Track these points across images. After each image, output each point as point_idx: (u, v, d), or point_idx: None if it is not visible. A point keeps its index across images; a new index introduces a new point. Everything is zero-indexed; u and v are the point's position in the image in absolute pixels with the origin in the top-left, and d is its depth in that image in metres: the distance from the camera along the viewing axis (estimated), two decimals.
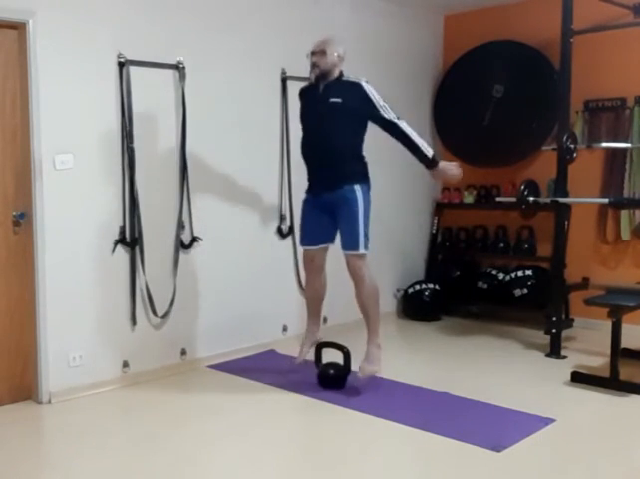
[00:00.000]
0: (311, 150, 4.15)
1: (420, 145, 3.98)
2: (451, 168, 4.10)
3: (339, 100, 3.91)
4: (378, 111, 3.91)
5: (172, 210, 4.54)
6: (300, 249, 4.42)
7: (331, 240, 4.26)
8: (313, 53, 4.02)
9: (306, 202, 4.30)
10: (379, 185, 6.05)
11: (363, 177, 4.12)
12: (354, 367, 4.22)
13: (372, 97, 3.89)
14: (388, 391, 4.15)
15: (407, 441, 3.50)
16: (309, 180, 4.25)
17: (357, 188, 4.05)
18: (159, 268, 4.46)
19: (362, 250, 4.01)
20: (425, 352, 5.20)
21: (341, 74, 4.04)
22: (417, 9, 6.23)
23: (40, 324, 3.97)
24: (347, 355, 4.21)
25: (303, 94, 4.28)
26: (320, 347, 4.36)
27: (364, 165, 4.18)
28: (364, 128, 4.05)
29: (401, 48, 6.14)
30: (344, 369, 4.22)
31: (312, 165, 4.18)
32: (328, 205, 4.10)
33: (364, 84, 3.94)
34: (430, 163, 4.02)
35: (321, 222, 4.17)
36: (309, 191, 4.26)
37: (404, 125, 3.97)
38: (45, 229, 3.95)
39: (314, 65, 3.99)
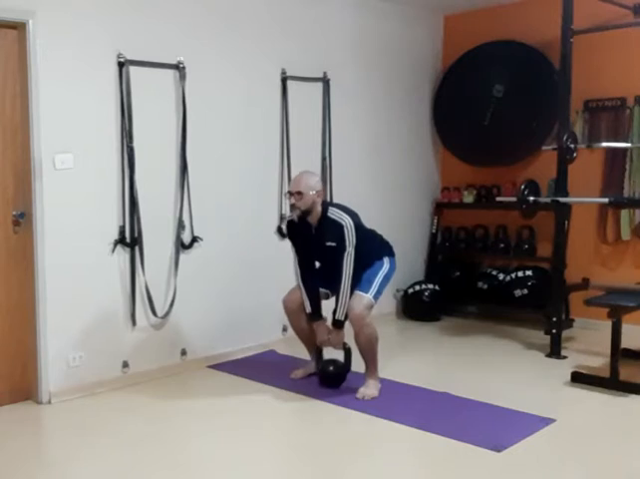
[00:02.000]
0: (317, 261, 4.26)
1: (342, 299, 4.01)
2: (335, 341, 4.15)
3: (334, 244, 4.02)
4: (342, 253, 3.98)
5: (172, 210, 4.54)
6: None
7: (328, 288, 4.24)
8: (290, 193, 4.08)
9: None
10: (379, 185, 6.09)
11: (388, 253, 4.26)
12: (354, 366, 4.23)
13: (346, 239, 3.98)
14: (388, 391, 4.14)
15: (407, 441, 3.50)
16: (313, 306, 4.24)
17: (384, 260, 4.19)
18: (158, 268, 4.46)
19: (370, 295, 4.03)
20: (425, 352, 5.20)
21: (325, 207, 4.08)
22: (417, 9, 6.23)
23: (40, 324, 3.97)
24: (347, 352, 4.20)
25: (294, 228, 4.25)
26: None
27: (386, 245, 4.30)
28: (360, 246, 4.03)
29: (401, 48, 6.14)
30: (344, 366, 4.22)
31: (323, 283, 4.27)
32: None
33: (345, 228, 3.99)
34: (336, 322, 4.07)
35: (328, 273, 4.15)
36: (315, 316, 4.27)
37: (345, 283, 3.99)
38: (45, 229, 3.95)
39: (293, 206, 4.08)
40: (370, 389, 4.07)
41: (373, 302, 4.05)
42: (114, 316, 4.29)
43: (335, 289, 4.08)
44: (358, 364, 4.21)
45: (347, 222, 4.01)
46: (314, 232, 4.13)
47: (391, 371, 4.42)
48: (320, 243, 4.09)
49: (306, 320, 4.30)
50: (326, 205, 4.13)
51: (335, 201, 5.41)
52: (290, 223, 4.28)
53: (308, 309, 4.22)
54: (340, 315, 4.04)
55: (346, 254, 3.98)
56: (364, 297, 4.02)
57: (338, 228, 4.00)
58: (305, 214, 4.07)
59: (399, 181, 6.22)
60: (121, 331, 4.32)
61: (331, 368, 4.24)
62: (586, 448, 3.40)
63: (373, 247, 4.18)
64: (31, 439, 3.60)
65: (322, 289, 4.27)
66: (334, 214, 4.05)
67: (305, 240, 4.20)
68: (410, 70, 6.27)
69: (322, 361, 4.31)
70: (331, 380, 4.23)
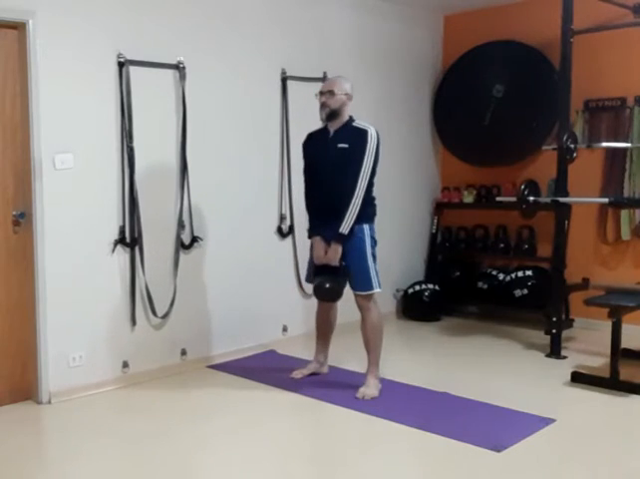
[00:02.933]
0: (319, 198, 4.13)
1: (348, 214, 3.91)
2: (332, 256, 4.01)
3: (346, 145, 3.95)
4: (360, 163, 3.89)
5: (172, 210, 4.54)
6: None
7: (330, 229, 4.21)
8: (321, 93, 4.06)
9: (313, 242, 4.22)
10: (379, 185, 6.08)
11: (369, 218, 4.12)
12: (354, 366, 4.22)
13: (367, 149, 3.90)
14: (388, 391, 4.14)
15: (407, 441, 3.50)
16: (313, 223, 4.19)
17: (364, 227, 4.05)
18: (159, 268, 4.46)
19: (375, 289, 4.03)
20: (425, 352, 5.20)
21: (351, 119, 4.06)
22: (417, 9, 6.23)
23: (40, 324, 3.97)
24: (344, 269, 4.02)
25: (310, 141, 4.23)
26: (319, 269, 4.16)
27: (373, 207, 4.15)
28: (373, 171, 3.99)
29: (401, 48, 6.14)
30: (340, 281, 4.05)
31: (319, 212, 4.16)
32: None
33: (369, 133, 3.95)
34: (338, 236, 3.95)
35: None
36: (314, 227, 4.18)
37: (357, 193, 3.90)
38: (45, 229, 3.95)
39: (323, 104, 4.04)
40: (370, 389, 4.07)
41: (374, 292, 4.04)
42: (114, 316, 4.29)
43: (337, 206, 3.95)
44: (358, 364, 4.21)
45: (372, 131, 3.94)
46: (331, 136, 4.05)
47: (391, 371, 4.42)
48: (332, 147, 3.99)
49: (331, 313, 4.32)
50: (353, 117, 4.08)
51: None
52: (309, 134, 4.23)
53: (308, 229, 4.19)
54: (344, 229, 3.91)
55: (363, 165, 3.86)
56: (365, 296, 4.02)
57: (360, 132, 3.94)
58: (333, 114, 4.01)
59: (399, 181, 6.22)
60: (121, 331, 4.32)
61: (327, 285, 4.04)
62: (586, 448, 3.40)
63: (364, 197, 3.98)
64: (31, 439, 3.60)
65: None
66: (360, 124, 4.01)
67: (318, 147, 4.10)
68: (410, 70, 6.27)
69: (317, 277, 4.11)
70: (327, 294, 4.09)
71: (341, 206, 3.94)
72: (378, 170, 4.04)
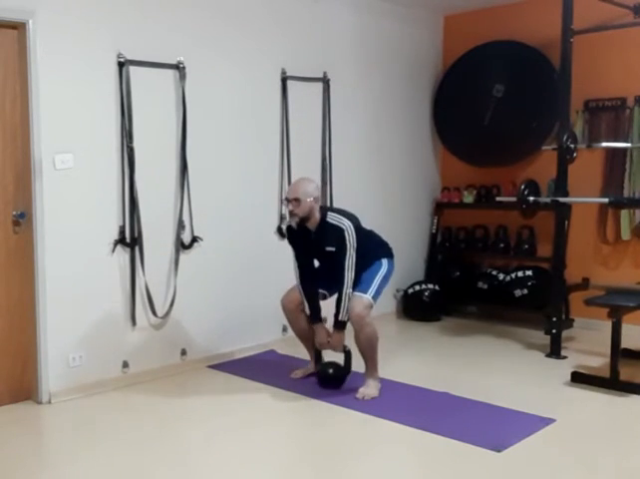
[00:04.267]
0: (322, 275, 4.26)
1: (343, 304, 3.99)
2: (334, 345, 4.16)
3: (333, 249, 4.02)
4: (344, 256, 3.98)
5: (172, 210, 4.54)
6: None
7: (328, 291, 4.26)
8: (288, 200, 4.08)
9: None
10: (379, 185, 6.09)
11: (386, 255, 4.25)
12: (354, 367, 4.23)
13: (348, 246, 3.98)
14: (388, 391, 4.14)
15: (407, 441, 3.50)
16: (314, 308, 4.25)
17: (382, 261, 4.18)
18: (159, 268, 4.46)
19: (369, 296, 4.03)
20: (425, 352, 5.20)
21: (324, 213, 4.08)
22: (417, 9, 6.23)
23: (40, 324, 3.97)
24: (348, 354, 4.21)
25: (294, 234, 4.24)
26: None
27: (384, 249, 4.28)
28: (359, 248, 4.02)
29: (401, 48, 6.14)
30: (344, 369, 4.22)
31: (325, 282, 4.26)
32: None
33: (345, 231, 3.99)
34: (339, 324, 4.05)
35: (331, 276, 4.13)
36: (315, 318, 4.27)
37: (346, 291, 3.98)
38: (45, 229, 3.95)
39: (292, 213, 4.07)
40: (370, 389, 4.07)
41: (372, 303, 4.05)
42: (114, 316, 4.29)
43: (334, 291, 4.09)
44: (358, 364, 4.21)
45: (347, 225, 4.01)
46: (313, 237, 4.13)
47: (391, 371, 4.42)
48: (320, 248, 4.10)
49: (306, 321, 4.31)
50: (325, 210, 4.14)
51: (335, 201, 5.43)
52: (289, 228, 4.28)
53: (308, 312, 4.23)
54: (342, 316, 4.03)
55: (347, 257, 3.97)
56: (363, 298, 4.02)
57: (338, 231, 4.01)
58: (303, 220, 4.07)
59: (399, 181, 6.22)
60: (121, 331, 4.32)
61: (331, 371, 4.24)
62: (586, 448, 3.39)
63: (372, 249, 4.17)
64: (31, 439, 3.60)
65: (320, 291, 4.27)
66: (333, 218, 4.05)
67: (305, 245, 4.19)
68: (410, 70, 6.27)
69: (322, 363, 4.31)
70: (331, 382, 4.22)
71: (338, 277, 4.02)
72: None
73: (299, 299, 4.26)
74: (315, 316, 4.22)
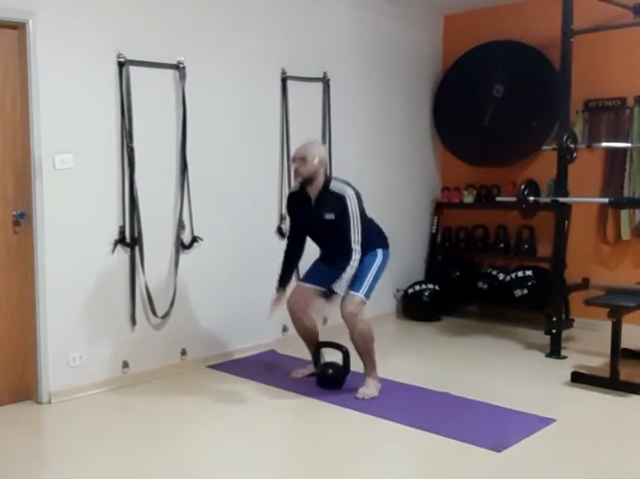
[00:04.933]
0: (315, 241, 4.26)
1: (345, 275, 3.94)
2: (322, 312, 4.04)
3: (332, 217, 3.98)
4: (348, 229, 3.94)
5: (172, 210, 4.54)
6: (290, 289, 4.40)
7: (326, 284, 4.18)
8: (294, 159, 4.06)
9: (320, 258, 4.35)
10: (379, 185, 6.09)
11: (382, 245, 4.21)
12: (353, 367, 4.23)
13: (350, 213, 3.94)
14: (388, 391, 4.15)
15: (407, 441, 3.50)
16: (285, 274, 4.31)
17: (377, 251, 4.14)
18: (159, 268, 4.46)
19: (362, 294, 4.01)
20: (425, 352, 5.20)
21: (327, 180, 4.04)
22: (417, 9, 6.23)
23: (40, 324, 3.97)
24: (346, 355, 4.21)
25: (293, 201, 4.24)
26: (319, 347, 4.36)
27: (380, 235, 4.25)
28: (363, 224, 4.01)
29: (401, 48, 6.14)
30: (343, 369, 4.23)
31: (319, 248, 4.29)
32: (339, 269, 4.05)
33: (347, 198, 3.96)
34: (330, 293, 3.97)
35: (329, 271, 4.11)
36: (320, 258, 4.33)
37: (354, 257, 3.94)
38: (45, 229, 3.95)
39: (297, 172, 4.05)
40: (370, 389, 4.07)
41: (364, 300, 4.03)
42: (114, 316, 4.29)
43: (337, 273, 4.02)
44: (358, 365, 4.21)
45: (349, 193, 3.95)
46: (314, 204, 4.07)
47: (391, 371, 4.42)
48: (319, 217, 4.02)
49: (310, 322, 4.31)
50: (329, 178, 4.09)
51: None
52: (291, 195, 4.26)
53: (277, 281, 4.26)
54: (338, 287, 3.92)
55: (352, 227, 3.91)
56: (355, 296, 4.00)
57: (339, 199, 3.95)
58: (306, 182, 4.02)
59: (399, 180, 6.22)
60: (121, 331, 4.32)
61: (330, 371, 4.24)
62: (586, 448, 3.40)
63: (367, 237, 4.07)
64: (31, 439, 3.61)
65: (319, 287, 4.19)
66: (336, 187, 4.00)
67: (304, 214, 4.14)
68: (410, 70, 6.27)
69: (321, 364, 4.31)
70: (330, 383, 4.22)
71: (338, 253, 4.00)
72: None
73: (304, 299, 4.23)
74: (282, 283, 4.25)
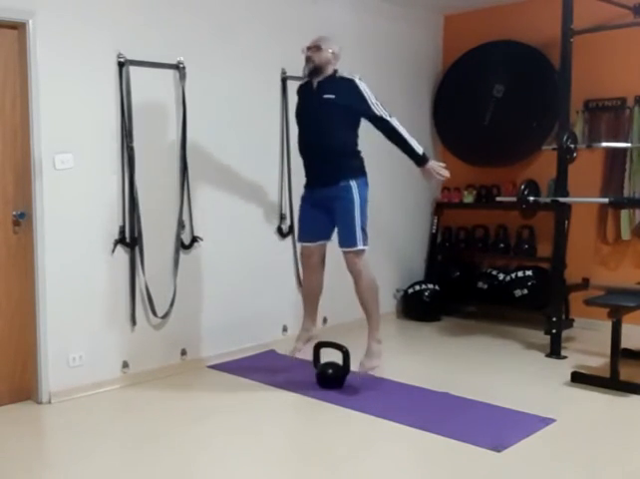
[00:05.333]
0: (307, 146, 4.19)
1: (410, 142, 4.01)
2: (439, 169, 4.12)
3: (332, 96, 3.94)
4: (370, 108, 3.94)
5: (172, 210, 4.54)
6: (299, 246, 4.42)
7: (328, 237, 4.26)
8: (308, 48, 4.05)
9: (304, 199, 4.32)
10: (379, 185, 6.06)
11: (359, 172, 4.14)
12: (353, 367, 4.23)
13: (365, 94, 3.93)
14: (388, 391, 4.15)
15: (407, 441, 3.50)
16: (306, 175, 4.26)
17: (352, 184, 4.06)
18: (159, 268, 4.46)
19: (359, 246, 4.02)
20: (425, 352, 5.20)
21: (335, 71, 4.06)
22: (417, 9, 6.23)
23: (40, 324, 3.97)
24: (346, 355, 4.21)
25: (300, 91, 4.30)
26: (319, 347, 4.36)
27: (360, 160, 4.20)
28: (358, 123, 4.07)
29: (401, 48, 6.14)
30: (343, 369, 4.23)
31: (308, 160, 4.22)
32: (325, 201, 4.12)
33: (357, 80, 3.97)
34: (420, 160, 4.05)
35: (318, 218, 4.18)
36: (307, 186, 4.28)
37: (395, 122, 3.99)
38: (45, 229, 3.95)
39: (308, 59, 4.03)
40: (371, 360, 4.06)
41: (362, 248, 4.02)
42: (114, 316, 4.29)
43: (327, 237, 4.13)
44: (358, 365, 4.21)
45: (356, 77, 3.95)
46: (315, 87, 4.05)
47: (391, 371, 4.42)
48: (317, 98, 3.99)
49: (319, 279, 4.32)
50: (337, 71, 4.07)
51: None
52: (299, 87, 4.26)
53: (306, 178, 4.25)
54: (420, 150, 3.99)
55: (374, 109, 3.91)
56: (352, 251, 4.00)
57: (345, 82, 3.94)
58: (316, 70, 4.00)
59: (399, 180, 6.21)
60: (121, 331, 4.32)
61: (330, 371, 4.24)
62: (586, 448, 3.39)
63: (344, 154, 4.01)
64: (31, 439, 3.60)
65: (320, 242, 4.20)
66: (344, 74, 4.00)
67: (304, 102, 4.13)
68: (410, 70, 6.27)
69: (321, 364, 4.31)
70: (330, 383, 4.22)
71: (327, 157, 3.96)
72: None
73: (316, 254, 4.22)
74: (309, 184, 4.22)
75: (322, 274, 4.37)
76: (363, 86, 3.95)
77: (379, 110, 3.95)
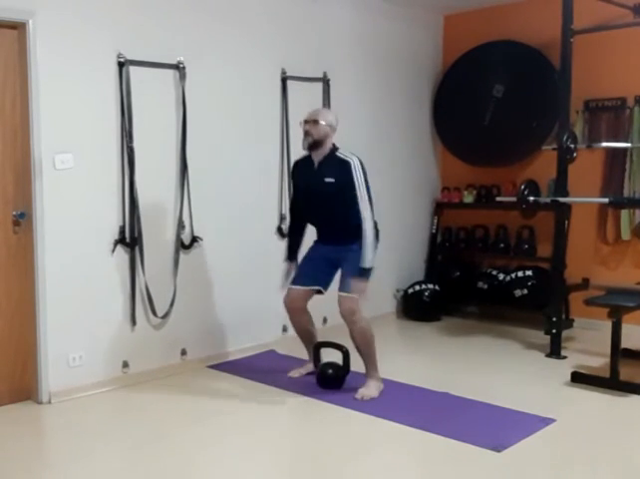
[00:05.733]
0: (313, 216, 4.24)
1: (368, 251, 3.91)
2: (363, 293, 4.03)
3: (333, 180, 3.97)
4: (355, 196, 3.92)
5: (172, 210, 4.54)
6: (286, 290, 4.34)
7: (321, 285, 4.21)
8: (306, 122, 4.07)
9: (312, 247, 4.31)
10: (379, 185, 6.07)
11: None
12: (353, 367, 4.23)
13: (356, 182, 3.93)
14: (388, 391, 4.14)
15: (407, 441, 3.50)
16: (316, 232, 4.29)
17: (354, 247, 4.04)
18: (159, 268, 4.46)
19: (356, 294, 3.98)
20: (425, 352, 5.20)
21: (334, 148, 4.06)
22: (417, 9, 6.23)
23: (40, 324, 3.97)
24: (346, 355, 4.21)
25: (297, 167, 4.27)
26: (319, 347, 4.36)
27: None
28: (369, 193, 4.02)
29: (401, 48, 6.14)
30: (343, 369, 4.23)
31: (315, 226, 4.28)
32: (333, 253, 4.11)
33: (352, 164, 3.95)
34: (362, 270, 3.95)
35: (320, 266, 4.17)
36: (317, 240, 4.29)
37: (367, 225, 3.91)
38: (45, 229, 3.95)
39: (307, 133, 4.05)
40: (369, 390, 4.06)
41: (358, 298, 3.99)
42: (114, 316, 4.29)
43: (326, 285, 4.14)
44: (358, 365, 4.21)
45: (355, 160, 3.96)
46: (316, 167, 4.08)
47: (391, 371, 4.42)
48: (319, 181, 4.01)
49: (308, 321, 4.33)
50: (336, 147, 4.09)
51: None
52: (296, 162, 4.29)
53: (286, 253, 4.34)
54: (366, 263, 3.89)
55: (359, 192, 3.89)
56: (348, 297, 3.97)
57: (342, 164, 3.96)
58: (315, 144, 4.02)
59: (399, 180, 6.22)
60: (121, 331, 4.32)
61: (330, 371, 4.24)
62: (586, 448, 3.39)
63: (350, 223, 3.98)
64: (31, 439, 3.60)
65: (315, 287, 4.22)
66: (342, 153, 4.02)
67: (305, 179, 4.14)
68: (410, 70, 6.27)
69: (321, 364, 4.31)
70: (330, 383, 4.22)
71: (335, 229, 4.06)
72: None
73: (301, 298, 4.24)
74: (290, 255, 4.32)
75: (308, 317, 4.35)
76: (358, 172, 3.94)
77: (363, 203, 3.93)
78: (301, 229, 4.34)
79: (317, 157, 4.07)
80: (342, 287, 4.04)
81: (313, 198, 4.13)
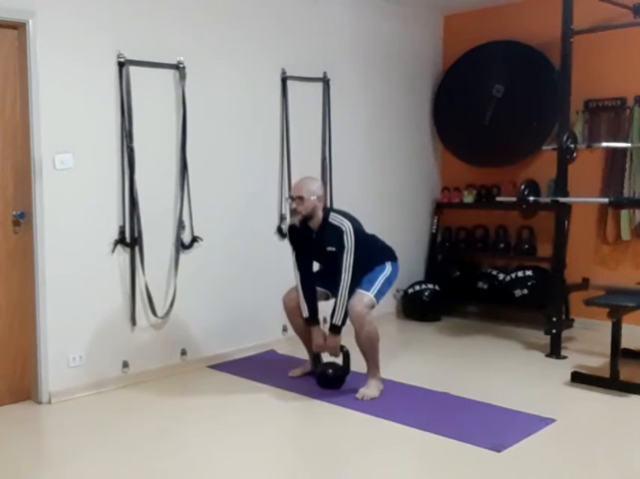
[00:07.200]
0: (319, 264, 4.33)
1: (341, 305, 3.98)
2: (334, 350, 4.15)
3: (334, 249, 4.02)
4: (342, 254, 3.96)
5: (172, 210, 4.54)
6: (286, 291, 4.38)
7: (327, 288, 4.22)
8: (292, 198, 4.09)
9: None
10: (379, 185, 6.09)
11: (390, 258, 4.24)
12: (353, 367, 4.23)
13: (347, 245, 3.97)
14: (388, 391, 4.14)
15: (407, 441, 3.50)
16: (312, 308, 4.26)
17: (386, 264, 4.18)
18: (159, 268, 4.46)
19: (371, 294, 4.02)
20: (425, 352, 5.20)
21: (326, 213, 4.08)
22: (417, 9, 6.23)
23: (40, 324, 3.97)
24: (346, 355, 4.21)
25: (296, 234, 4.25)
26: None
27: (387, 252, 4.28)
28: (361, 247, 4.01)
29: (401, 48, 6.14)
30: (343, 369, 4.22)
31: (325, 278, 4.28)
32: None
33: (345, 233, 3.98)
34: (333, 327, 4.05)
35: (329, 274, 4.14)
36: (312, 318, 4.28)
37: (345, 283, 3.96)
38: (45, 229, 3.95)
39: (295, 211, 4.09)
40: (370, 390, 4.07)
41: (374, 302, 4.04)
42: (114, 316, 4.29)
43: (336, 291, 4.05)
44: (359, 365, 4.21)
45: (347, 226, 4.00)
46: (315, 236, 4.13)
47: (391, 371, 4.42)
48: (321, 248, 4.10)
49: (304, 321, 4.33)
50: (327, 210, 4.14)
51: (335, 201, 5.43)
52: (291, 227, 4.28)
53: (305, 314, 4.22)
54: (337, 320, 4.02)
55: (345, 259, 3.95)
56: (365, 296, 4.01)
57: (338, 232, 4.01)
58: (306, 219, 4.07)
59: (399, 180, 6.22)
60: (121, 331, 4.32)
61: (330, 371, 4.24)
62: (586, 448, 3.39)
63: (373, 252, 4.16)
64: (31, 439, 3.60)
65: (321, 289, 4.26)
66: (335, 219, 4.05)
67: (306, 245, 4.19)
68: (410, 70, 6.27)
69: (321, 364, 4.31)
70: (330, 383, 4.22)
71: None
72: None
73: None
74: (312, 318, 4.22)
75: None
76: (348, 238, 3.97)
77: (347, 262, 3.95)
78: (310, 280, 4.25)
79: (313, 225, 4.11)
80: (359, 285, 4.05)
81: (317, 257, 4.26)
